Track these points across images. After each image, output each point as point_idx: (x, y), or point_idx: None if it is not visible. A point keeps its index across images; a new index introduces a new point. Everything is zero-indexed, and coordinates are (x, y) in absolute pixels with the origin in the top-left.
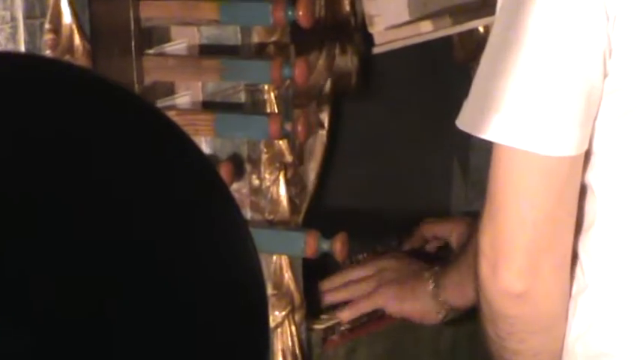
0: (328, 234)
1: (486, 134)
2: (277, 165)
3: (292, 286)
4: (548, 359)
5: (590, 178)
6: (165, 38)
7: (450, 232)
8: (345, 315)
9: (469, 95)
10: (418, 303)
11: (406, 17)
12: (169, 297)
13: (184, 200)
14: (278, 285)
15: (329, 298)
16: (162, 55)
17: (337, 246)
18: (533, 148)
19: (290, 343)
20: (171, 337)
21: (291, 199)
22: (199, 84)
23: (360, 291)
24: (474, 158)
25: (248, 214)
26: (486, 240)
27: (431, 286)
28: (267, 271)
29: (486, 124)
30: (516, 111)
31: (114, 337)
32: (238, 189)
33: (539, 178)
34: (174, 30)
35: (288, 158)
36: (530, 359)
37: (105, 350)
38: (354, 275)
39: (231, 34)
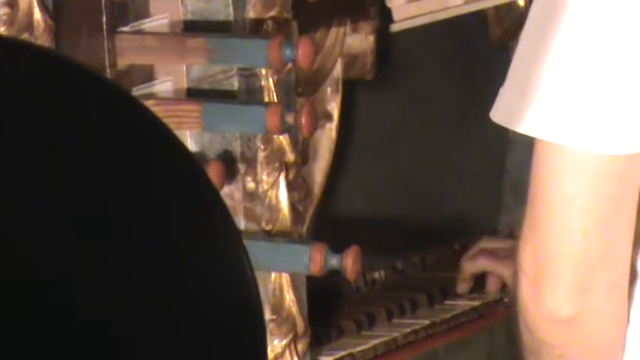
0: (337, 248)
1: (525, 128)
2: (277, 165)
3: (294, 309)
4: None
5: None
6: (143, 13)
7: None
8: (460, 277)
9: (506, 82)
10: None
11: None
12: (141, 322)
13: (164, 206)
14: (278, 308)
15: (467, 268)
16: (139, 33)
17: (348, 262)
18: (581, 144)
19: None
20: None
21: (293, 206)
22: (183, 68)
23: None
24: (514, 157)
25: (242, 223)
26: (527, 254)
27: None
28: (264, 292)
29: (526, 116)
30: (561, 101)
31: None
32: (230, 193)
33: (589, 179)
34: (154, 3)
35: (290, 157)
36: None
37: None
38: (488, 244)
39: (220, 8)
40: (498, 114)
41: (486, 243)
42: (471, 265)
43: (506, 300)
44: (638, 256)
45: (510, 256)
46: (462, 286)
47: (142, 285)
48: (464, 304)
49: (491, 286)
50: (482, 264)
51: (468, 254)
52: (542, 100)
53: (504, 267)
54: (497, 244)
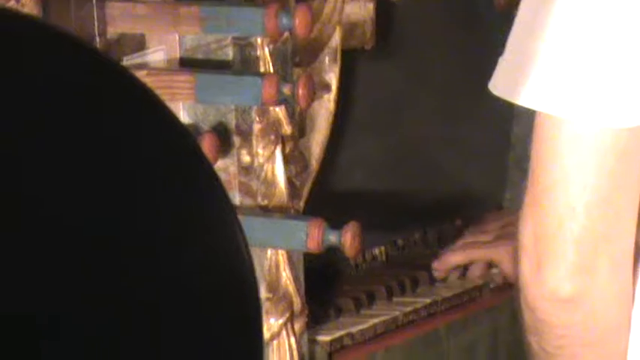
0: (336, 223)
1: (525, 100)
2: (273, 138)
3: (291, 287)
4: None
5: None
6: None
7: (495, 255)
8: (440, 264)
9: (504, 52)
10: None
11: None
12: (131, 301)
13: (156, 180)
14: (274, 286)
15: (441, 263)
16: (129, 0)
17: (347, 238)
18: (582, 117)
19: (288, 359)
20: (131, 351)
21: (289, 180)
22: (176, 37)
23: (476, 245)
24: (519, 130)
25: (237, 198)
26: (528, 231)
27: None
28: (260, 270)
29: (525, 88)
30: (562, 72)
31: (85, 342)
32: (225, 167)
33: (590, 154)
34: None
35: (287, 129)
36: None
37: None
38: (471, 237)
39: None
40: (497, 86)
41: (470, 237)
42: (457, 255)
43: (491, 286)
44: None
45: (498, 238)
46: (440, 273)
47: (131, 260)
48: (466, 282)
49: (475, 272)
50: (469, 254)
51: (452, 247)
52: (542, 71)
53: (491, 251)
54: (481, 238)
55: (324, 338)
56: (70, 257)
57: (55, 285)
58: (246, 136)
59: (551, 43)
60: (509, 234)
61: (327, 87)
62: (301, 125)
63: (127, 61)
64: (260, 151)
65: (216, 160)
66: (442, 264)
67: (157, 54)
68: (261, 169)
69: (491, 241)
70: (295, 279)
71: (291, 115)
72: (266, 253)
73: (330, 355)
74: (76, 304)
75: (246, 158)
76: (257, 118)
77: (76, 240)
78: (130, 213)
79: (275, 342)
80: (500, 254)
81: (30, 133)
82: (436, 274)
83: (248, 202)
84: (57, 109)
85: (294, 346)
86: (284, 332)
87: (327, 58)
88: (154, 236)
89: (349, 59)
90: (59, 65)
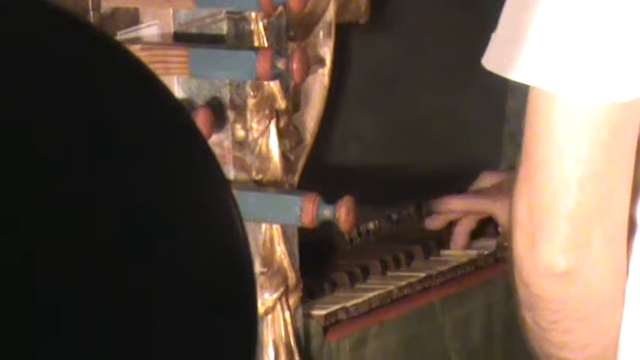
0: (330, 198)
1: (518, 75)
2: (267, 112)
3: (286, 262)
4: (601, 352)
5: None
6: None
7: (493, 207)
8: (441, 206)
9: (498, 27)
10: None
11: None
12: (125, 279)
13: (150, 155)
14: (268, 261)
15: (441, 205)
16: None
17: (341, 213)
18: (575, 92)
19: (283, 333)
20: (126, 329)
21: (284, 155)
22: (170, 11)
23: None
24: (513, 104)
25: (231, 172)
26: (522, 206)
27: None
28: (254, 244)
29: (518, 62)
30: (555, 47)
31: (80, 321)
32: (219, 142)
33: (584, 128)
34: None
35: (281, 104)
36: (578, 352)
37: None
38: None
39: None
40: (490, 61)
41: (476, 185)
42: (457, 201)
43: (485, 252)
44: (637, 207)
45: (497, 193)
46: (437, 224)
47: (124, 237)
48: (461, 256)
49: (458, 241)
50: (469, 202)
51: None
52: (535, 46)
53: (491, 204)
54: (476, 187)
55: (318, 312)
56: (62, 235)
57: (48, 263)
58: (240, 110)
59: (544, 18)
60: (509, 188)
61: (321, 61)
62: (295, 100)
63: (120, 36)
64: (254, 125)
65: (210, 134)
66: (442, 205)
67: (150, 28)
68: (255, 143)
69: (490, 193)
70: (290, 253)
71: (285, 89)
72: (260, 228)
73: (324, 329)
74: (69, 283)
75: (240, 133)
76: (251, 93)
77: (69, 217)
78: (122, 189)
79: (269, 316)
80: (499, 207)
81: (25, 110)
82: (431, 223)
83: (242, 176)
84: (52, 85)
85: (288, 320)
86: (278, 307)
87: (321, 33)
88: (148, 212)
89: (344, 33)
90: (55, 41)
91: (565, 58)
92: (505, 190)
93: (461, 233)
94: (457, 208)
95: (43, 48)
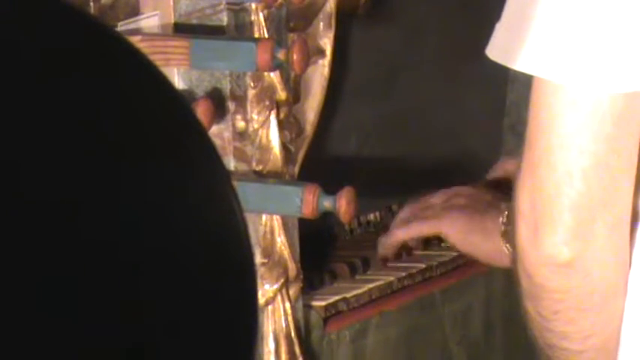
0: (331, 189)
1: (522, 65)
2: (267, 103)
3: (286, 253)
4: (602, 343)
5: None
6: None
7: (441, 226)
8: (387, 240)
9: (501, 17)
10: (487, 238)
11: None
12: (120, 273)
13: (150, 146)
14: (268, 252)
15: (388, 242)
16: None
17: (342, 204)
18: (578, 82)
19: (283, 324)
20: (125, 321)
21: (284, 146)
22: (170, 2)
23: (421, 218)
24: (514, 95)
25: (231, 163)
26: (525, 196)
27: (502, 220)
28: (254, 235)
29: (522, 52)
30: (559, 37)
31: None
32: (219, 133)
33: (587, 119)
34: None
35: (281, 95)
36: (579, 343)
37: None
38: (417, 206)
39: None
40: (494, 51)
41: (415, 208)
42: (403, 231)
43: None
44: None
45: (443, 210)
46: (388, 253)
47: (119, 229)
48: None
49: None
50: (416, 229)
51: (396, 220)
52: (540, 36)
53: (438, 223)
54: (428, 211)
55: (318, 303)
56: (55, 225)
57: (39, 254)
58: (240, 101)
59: (549, 7)
60: (455, 205)
61: (321, 52)
62: (296, 91)
63: (121, 27)
64: (255, 116)
65: (210, 125)
66: (389, 242)
67: (151, 19)
68: (255, 134)
69: (437, 213)
70: (290, 244)
71: (285, 80)
72: (261, 219)
73: (324, 320)
74: (62, 271)
75: (240, 124)
76: (252, 84)
77: (62, 207)
78: (121, 180)
79: (270, 307)
80: (447, 226)
81: (22, 102)
82: (382, 253)
83: (243, 167)
84: (51, 76)
85: (289, 311)
86: (279, 298)
87: (321, 23)
88: (147, 203)
89: (344, 24)
90: (54, 31)
91: (569, 49)
92: (453, 206)
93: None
94: (406, 239)
95: (41, 38)
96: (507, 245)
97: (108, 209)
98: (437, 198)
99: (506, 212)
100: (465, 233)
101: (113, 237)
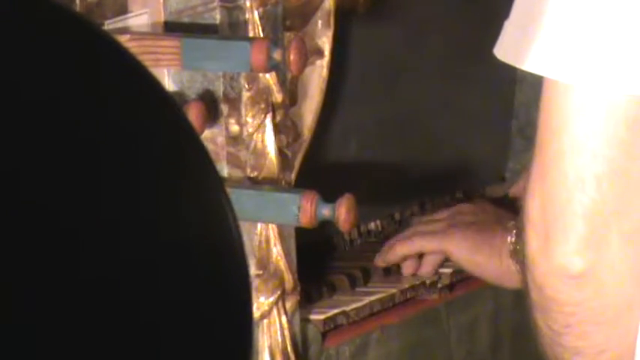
0: (329, 196)
1: (532, 66)
2: (263, 106)
3: (282, 264)
4: (616, 358)
5: None
6: None
7: (444, 244)
8: (387, 256)
9: (510, 14)
10: (494, 258)
11: None
12: (106, 287)
13: (138, 152)
14: (264, 263)
15: (388, 255)
16: None
17: (341, 212)
18: (592, 84)
19: (279, 339)
20: (110, 341)
21: (280, 151)
22: None
23: (426, 234)
24: (522, 97)
25: (225, 169)
26: (535, 204)
27: (511, 239)
28: (249, 245)
29: (532, 52)
30: (571, 36)
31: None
32: (212, 137)
33: (601, 123)
34: None
35: (277, 97)
36: (592, 358)
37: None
38: (422, 226)
39: None
40: (502, 50)
41: (420, 226)
42: (406, 245)
43: (439, 286)
44: None
45: (449, 227)
46: (384, 264)
47: (109, 234)
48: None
49: (427, 268)
50: (418, 244)
51: (400, 236)
52: (550, 34)
53: (442, 240)
54: (431, 226)
55: (317, 317)
56: (31, 233)
57: (29, 262)
58: (234, 104)
59: (560, 4)
60: (460, 223)
61: (319, 52)
62: (293, 93)
63: (108, 25)
64: (249, 120)
65: (203, 129)
66: (390, 255)
67: (140, 18)
68: (250, 139)
69: (441, 229)
70: (287, 255)
71: (281, 82)
72: (256, 228)
73: (323, 334)
74: (49, 288)
75: (234, 128)
76: (246, 86)
77: (40, 213)
78: (103, 187)
79: (265, 321)
80: (452, 244)
81: (5, 102)
82: (380, 265)
83: (236, 173)
84: (36, 76)
85: (285, 325)
86: (275, 311)
87: (319, 22)
88: (133, 212)
89: (343, 23)
90: (38, 30)
91: (581, 48)
92: (459, 224)
93: (428, 263)
94: (407, 254)
95: (25, 37)
96: (517, 264)
97: (88, 218)
98: (439, 215)
99: (514, 230)
100: (472, 252)
101: (92, 250)
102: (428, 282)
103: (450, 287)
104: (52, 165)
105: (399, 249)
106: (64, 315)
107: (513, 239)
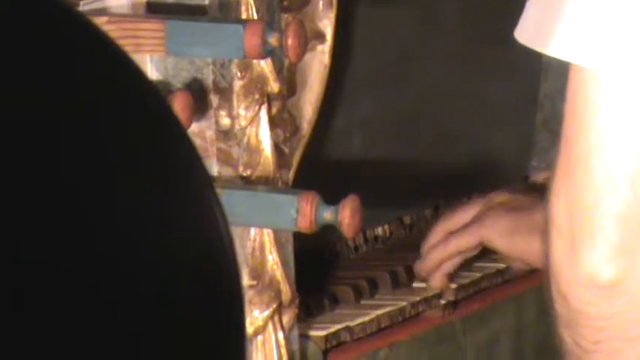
0: (331, 198)
1: (557, 50)
2: (257, 97)
3: (279, 273)
4: None
5: None
6: None
7: (483, 232)
8: (424, 267)
9: None
10: (536, 236)
11: None
12: (88, 282)
13: (119, 147)
14: (258, 272)
15: (427, 266)
16: None
17: (344, 215)
18: (623, 70)
19: (275, 357)
20: (87, 344)
21: (277, 147)
22: None
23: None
24: (547, 86)
25: (215, 167)
26: (561, 205)
27: None
28: (241, 252)
29: (558, 35)
30: (600, 17)
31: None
32: (200, 131)
33: (634, 114)
34: None
35: (273, 87)
36: None
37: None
38: (451, 220)
39: None
40: (524, 33)
41: (446, 221)
42: (441, 250)
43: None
44: None
45: (481, 213)
46: (436, 280)
47: (86, 235)
48: (486, 267)
49: (436, 282)
50: (454, 245)
51: (429, 241)
52: (578, 16)
53: (478, 230)
54: (459, 217)
55: (317, 333)
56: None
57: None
58: (225, 94)
59: None
60: (495, 205)
61: (321, 36)
62: (290, 82)
63: (83, 7)
64: (242, 112)
65: (190, 123)
66: (428, 266)
67: None
68: (243, 133)
69: (474, 218)
70: (283, 263)
71: (278, 69)
72: (249, 233)
73: (324, 352)
74: (28, 289)
75: (225, 121)
76: (238, 74)
77: (18, 212)
78: (85, 185)
79: (260, 338)
80: (488, 229)
81: None
82: (424, 277)
83: (228, 172)
84: (6, 63)
85: (282, 342)
86: (270, 326)
87: (320, 2)
88: (113, 214)
89: (347, 3)
90: (8, 11)
91: (613, 30)
92: (492, 208)
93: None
94: (446, 258)
95: None
96: None
97: (66, 218)
98: (470, 207)
99: None
100: (511, 234)
101: (71, 251)
102: (502, 268)
103: (455, 304)
104: (24, 157)
105: (436, 256)
106: (45, 316)
107: None
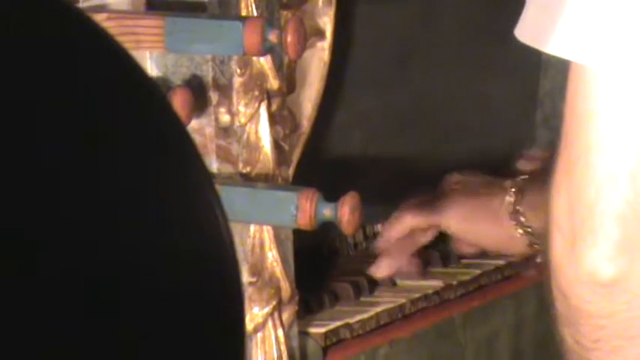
0: (331, 195)
1: (557, 49)
2: (256, 93)
3: (278, 270)
4: None
5: None
6: None
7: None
8: (378, 244)
9: None
10: (494, 222)
11: None
12: (85, 281)
13: (117, 143)
14: (258, 269)
15: (379, 245)
16: None
17: (344, 212)
18: (624, 68)
19: (275, 354)
20: (87, 345)
21: (276, 144)
22: None
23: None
24: (547, 84)
25: (214, 164)
26: (562, 203)
27: (511, 199)
28: (241, 250)
29: (558, 33)
30: (601, 15)
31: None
32: (200, 128)
33: (635, 111)
34: None
35: (273, 83)
36: None
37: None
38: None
39: None
40: (524, 31)
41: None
42: (395, 226)
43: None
44: None
45: (443, 195)
46: (380, 268)
47: (83, 233)
48: (486, 264)
49: (410, 274)
50: (407, 221)
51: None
52: (578, 13)
53: (437, 212)
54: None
55: (317, 330)
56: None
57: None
58: (225, 91)
59: None
60: (452, 190)
61: (320, 33)
62: (290, 79)
63: (83, 3)
64: (241, 109)
65: (189, 119)
66: (380, 243)
67: None
68: (242, 130)
69: (431, 200)
70: (283, 260)
71: (278, 66)
72: (249, 230)
73: (324, 349)
74: (26, 290)
75: (224, 117)
76: (238, 71)
77: (23, 217)
78: (83, 180)
79: (259, 335)
80: (445, 213)
81: None
82: (377, 273)
83: (227, 169)
84: (5, 62)
85: (281, 339)
86: (270, 323)
87: None
88: (111, 212)
89: (347, 0)
90: (11, 11)
91: (613, 28)
92: (455, 191)
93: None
94: (399, 236)
95: None
96: (519, 228)
97: (61, 216)
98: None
99: (513, 189)
100: (468, 220)
101: (67, 250)
102: (502, 264)
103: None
104: (20, 155)
105: (387, 232)
106: (45, 316)
107: (512, 199)
